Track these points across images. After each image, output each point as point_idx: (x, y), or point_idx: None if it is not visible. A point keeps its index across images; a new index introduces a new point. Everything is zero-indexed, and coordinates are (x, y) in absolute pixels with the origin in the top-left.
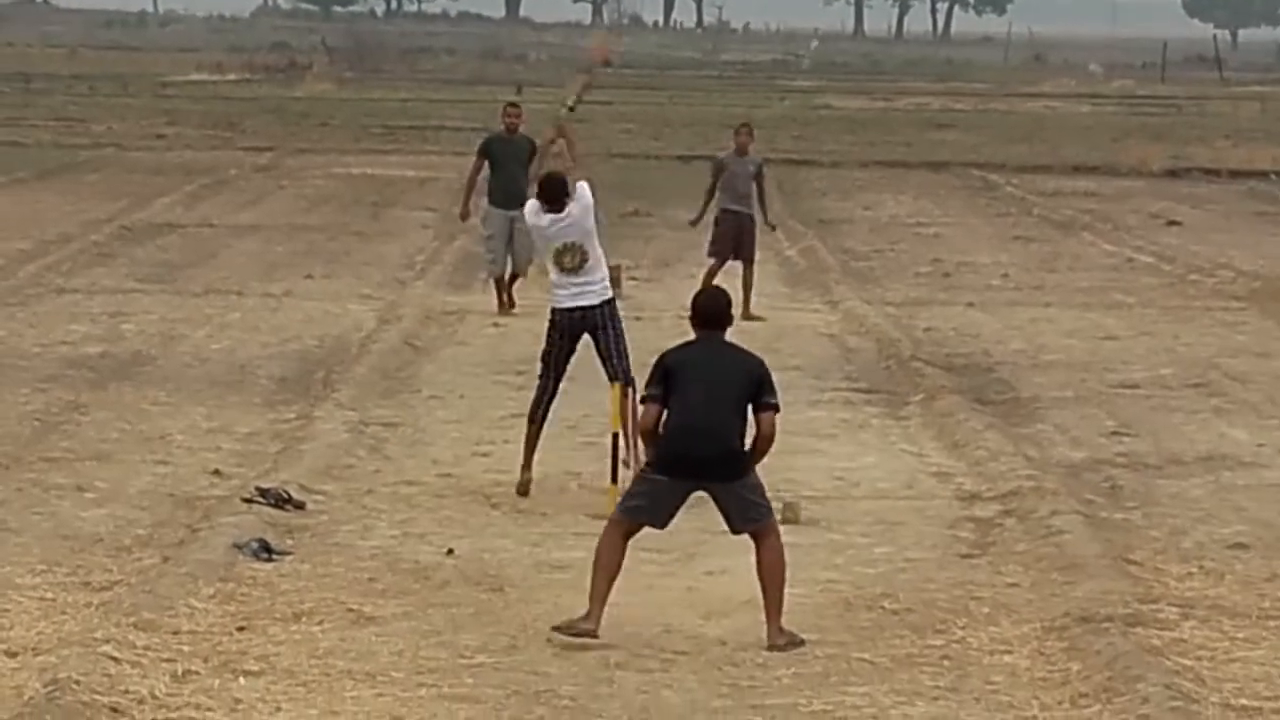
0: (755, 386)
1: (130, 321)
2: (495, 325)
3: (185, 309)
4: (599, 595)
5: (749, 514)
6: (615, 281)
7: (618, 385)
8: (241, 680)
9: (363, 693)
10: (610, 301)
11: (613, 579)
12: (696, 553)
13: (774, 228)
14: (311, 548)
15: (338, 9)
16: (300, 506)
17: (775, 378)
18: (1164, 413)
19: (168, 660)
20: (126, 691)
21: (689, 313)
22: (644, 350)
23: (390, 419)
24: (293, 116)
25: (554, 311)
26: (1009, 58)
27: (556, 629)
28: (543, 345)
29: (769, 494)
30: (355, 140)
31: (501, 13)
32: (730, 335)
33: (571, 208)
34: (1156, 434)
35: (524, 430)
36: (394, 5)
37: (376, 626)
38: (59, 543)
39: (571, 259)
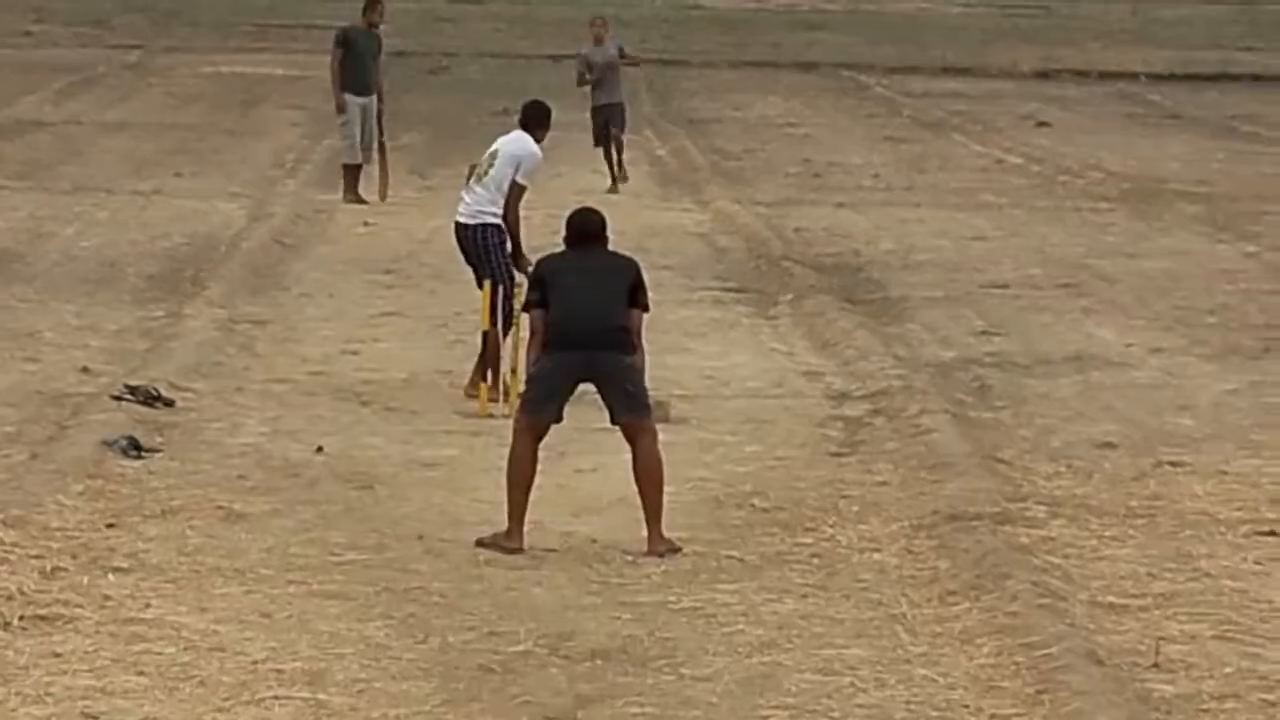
0: (634, 281)
1: None
2: (365, 224)
3: (53, 207)
4: (517, 511)
5: (631, 403)
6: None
7: (488, 284)
8: (110, 577)
9: (232, 589)
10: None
11: (529, 489)
12: (567, 450)
13: None
14: (181, 445)
15: None
16: (169, 404)
17: (647, 277)
18: (1033, 313)
19: (36, 557)
20: None
21: (564, 231)
22: (524, 247)
23: (260, 317)
24: (161, 15)
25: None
26: None
27: (480, 543)
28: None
29: None
30: (224, 39)
31: None
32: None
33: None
34: (1025, 334)
35: None
36: None
37: (246, 524)
38: None
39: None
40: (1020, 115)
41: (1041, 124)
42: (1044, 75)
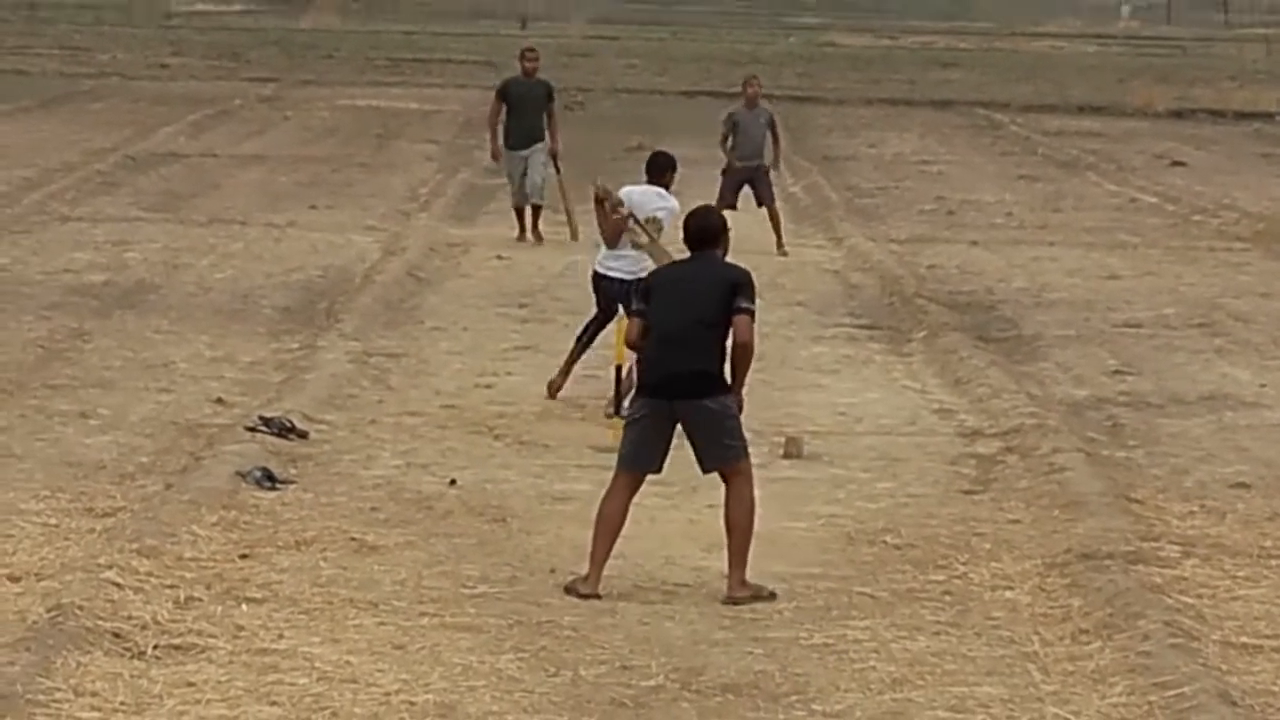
0: (729, 292)
1: (134, 250)
2: (499, 258)
3: (189, 238)
4: (597, 558)
5: (718, 451)
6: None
7: (620, 318)
8: (244, 607)
9: (365, 621)
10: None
11: (612, 539)
12: (699, 486)
13: (775, 169)
14: (314, 477)
15: None
16: (303, 436)
17: (780, 314)
18: (1167, 352)
19: (170, 587)
20: (129, 617)
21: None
22: None
23: (393, 350)
24: (297, 48)
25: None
26: None
27: (566, 589)
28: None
29: (773, 428)
30: (359, 72)
31: None
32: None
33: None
34: (1159, 373)
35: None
36: None
37: (379, 556)
38: (62, 469)
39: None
40: (1155, 154)
41: (1176, 163)
42: (1179, 115)
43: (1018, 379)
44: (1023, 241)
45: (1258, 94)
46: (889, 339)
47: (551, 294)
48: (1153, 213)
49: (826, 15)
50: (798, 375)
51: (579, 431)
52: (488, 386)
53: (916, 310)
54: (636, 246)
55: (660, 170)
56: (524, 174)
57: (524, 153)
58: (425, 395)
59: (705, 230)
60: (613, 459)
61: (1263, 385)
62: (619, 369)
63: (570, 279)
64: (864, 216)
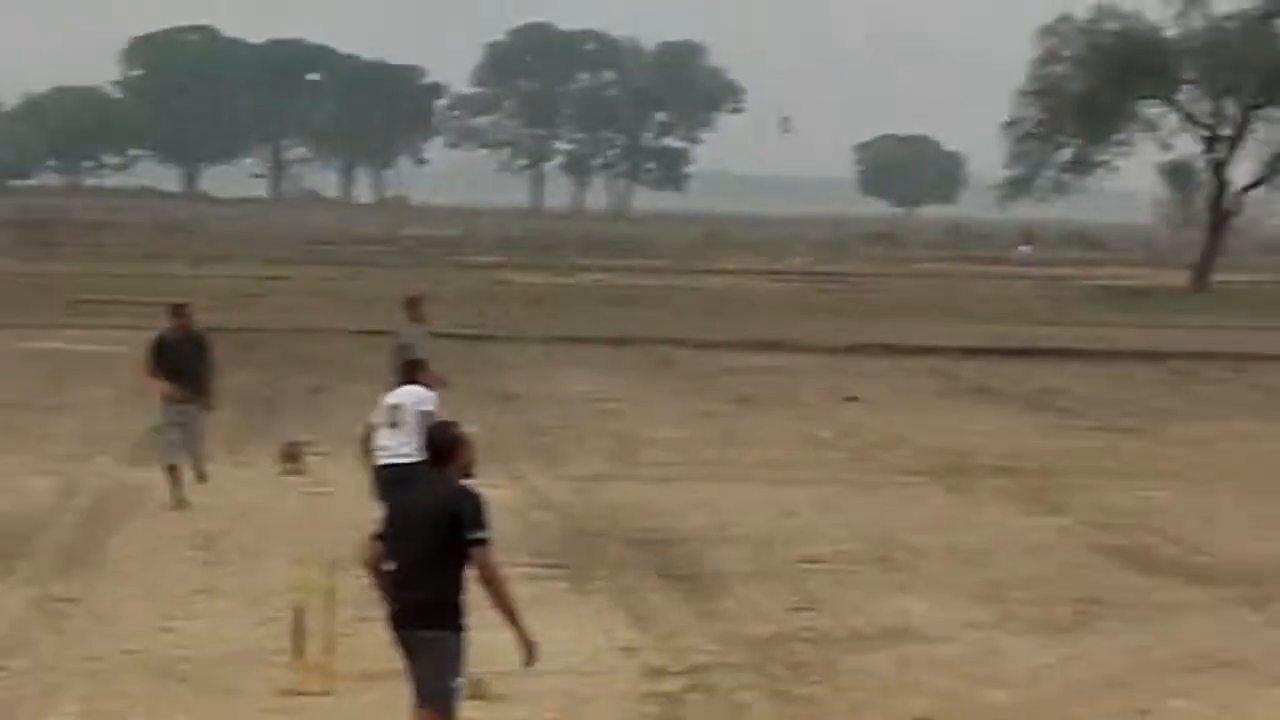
0: (452, 522)
1: None
2: (179, 501)
3: None
4: None
5: (425, 690)
6: (295, 457)
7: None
8: None
9: None
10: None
11: None
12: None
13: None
14: None
15: (14, 183)
16: None
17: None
18: (847, 587)
19: None
20: None
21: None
22: (338, 523)
23: (73, 594)
24: None
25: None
26: (688, 234)
27: None
28: None
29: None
30: (50, 314)
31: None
32: None
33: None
34: (839, 608)
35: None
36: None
37: None
38: None
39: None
40: (831, 389)
41: (851, 398)
42: (854, 349)
43: (701, 616)
44: (702, 478)
45: (931, 328)
46: (571, 578)
47: (235, 537)
48: (830, 447)
49: (500, 253)
50: (481, 615)
51: (265, 675)
52: (169, 630)
53: (598, 548)
54: None
55: (410, 372)
56: (182, 430)
57: (181, 406)
58: (106, 641)
59: (432, 446)
60: (302, 703)
61: (942, 618)
62: (299, 612)
63: (255, 520)
64: (542, 455)
